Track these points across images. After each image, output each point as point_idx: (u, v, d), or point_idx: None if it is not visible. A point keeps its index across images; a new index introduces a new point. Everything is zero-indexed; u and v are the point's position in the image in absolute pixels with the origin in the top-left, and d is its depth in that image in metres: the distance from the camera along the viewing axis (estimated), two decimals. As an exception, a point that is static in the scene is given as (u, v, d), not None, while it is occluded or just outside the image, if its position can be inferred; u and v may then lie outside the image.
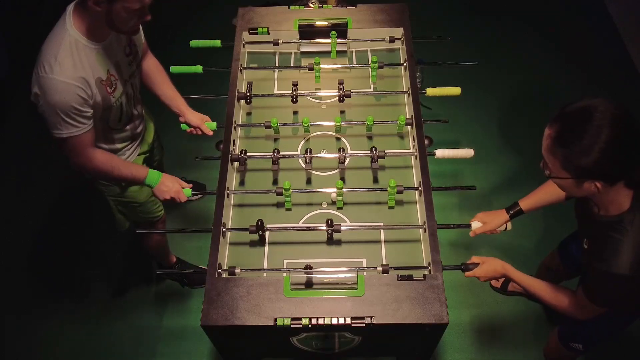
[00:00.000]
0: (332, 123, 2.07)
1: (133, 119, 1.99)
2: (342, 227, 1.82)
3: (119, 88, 1.82)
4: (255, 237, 1.86)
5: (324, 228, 1.81)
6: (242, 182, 2.04)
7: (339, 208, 1.93)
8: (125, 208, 2.15)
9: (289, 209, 1.93)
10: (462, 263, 1.75)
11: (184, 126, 2.17)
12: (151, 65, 2.09)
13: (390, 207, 1.93)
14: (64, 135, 1.69)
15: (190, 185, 2.01)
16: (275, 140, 2.14)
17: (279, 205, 1.96)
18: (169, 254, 2.61)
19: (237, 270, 1.71)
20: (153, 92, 2.12)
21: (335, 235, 1.86)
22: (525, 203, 1.86)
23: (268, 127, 2.06)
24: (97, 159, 1.81)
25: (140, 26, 1.83)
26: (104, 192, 2.07)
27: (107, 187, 2.03)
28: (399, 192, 1.87)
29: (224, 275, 1.73)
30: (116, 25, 1.64)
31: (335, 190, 1.89)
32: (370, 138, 2.13)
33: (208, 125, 2.14)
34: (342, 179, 2.02)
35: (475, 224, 1.90)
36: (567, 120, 1.30)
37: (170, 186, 1.95)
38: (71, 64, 1.61)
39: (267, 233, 1.87)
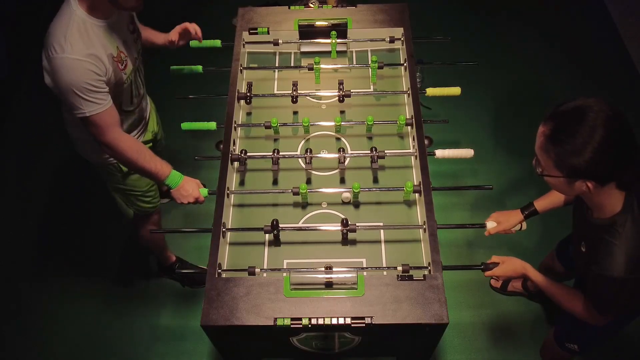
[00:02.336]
0: (332, 123, 2.07)
1: (141, 99, 1.99)
2: (342, 227, 1.82)
3: (129, 65, 1.83)
4: (254, 237, 1.86)
5: (329, 228, 1.82)
6: (242, 182, 2.04)
7: (305, 206, 1.95)
8: (124, 196, 2.16)
9: (305, 206, 1.95)
10: (482, 263, 1.76)
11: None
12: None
13: (387, 204, 1.95)
14: (86, 114, 1.68)
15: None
16: (275, 140, 2.14)
17: (278, 205, 1.96)
18: (167, 250, 2.60)
19: (257, 270, 1.71)
20: (148, 47, 2.10)
21: (336, 236, 1.86)
22: (540, 204, 1.87)
23: (268, 127, 2.06)
24: (124, 143, 1.79)
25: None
26: (106, 180, 2.08)
27: (109, 176, 2.04)
28: (415, 192, 1.88)
29: (224, 275, 1.73)
30: (118, 1, 1.65)
31: (345, 190, 1.91)
32: (370, 138, 2.13)
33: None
34: (342, 179, 2.02)
35: (490, 224, 1.90)
36: (562, 119, 1.30)
37: (190, 191, 1.92)
38: (81, 42, 1.62)
39: (265, 234, 1.87)
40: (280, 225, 1.81)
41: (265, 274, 1.76)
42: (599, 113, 1.25)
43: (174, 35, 2.13)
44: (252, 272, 1.70)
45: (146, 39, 2.08)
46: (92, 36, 1.66)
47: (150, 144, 2.18)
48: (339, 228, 1.80)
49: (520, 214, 1.89)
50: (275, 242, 1.87)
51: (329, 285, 1.72)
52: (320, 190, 1.94)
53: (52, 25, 1.65)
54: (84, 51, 1.62)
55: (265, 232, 1.80)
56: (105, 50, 1.70)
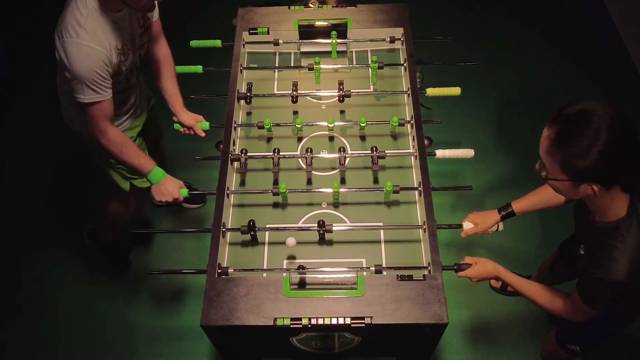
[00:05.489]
0: (333, 124, 2.06)
1: (126, 86, 2.00)
2: (342, 228, 1.82)
3: (130, 58, 1.86)
4: (269, 237, 1.87)
5: (317, 228, 1.80)
6: (242, 182, 2.04)
7: (336, 207, 1.94)
8: (115, 170, 2.16)
9: (285, 203, 1.95)
10: (455, 263, 1.75)
11: (176, 126, 2.16)
12: (162, 55, 2.11)
13: (387, 204, 1.94)
14: (85, 100, 1.72)
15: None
16: (272, 140, 2.14)
17: (278, 205, 1.96)
18: (118, 232, 2.61)
19: (231, 270, 1.72)
20: (156, 83, 2.14)
21: (335, 236, 1.86)
22: (517, 205, 1.86)
23: (261, 127, 2.06)
24: (111, 135, 1.84)
25: (157, 3, 1.84)
26: (97, 156, 2.09)
27: (97, 151, 2.05)
28: (395, 192, 1.88)
29: (223, 276, 1.73)
30: (127, 0, 1.69)
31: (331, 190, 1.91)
32: (364, 138, 2.12)
33: (201, 126, 2.15)
34: (343, 179, 2.02)
35: (467, 225, 1.89)
36: (567, 122, 1.30)
37: (171, 190, 1.94)
38: (95, 30, 1.66)
39: (266, 233, 1.87)
40: (267, 225, 1.82)
41: (265, 274, 1.76)
42: (603, 116, 1.26)
43: (187, 120, 2.14)
44: (224, 272, 1.71)
45: (164, 89, 2.11)
46: (104, 26, 1.70)
47: (138, 129, 2.18)
48: (316, 228, 1.80)
49: (497, 214, 1.88)
50: (253, 242, 1.87)
51: (308, 285, 1.70)
52: (321, 190, 1.94)
53: (65, 10, 1.69)
54: (98, 40, 1.66)
55: (242, 233, 1.80)
56: (114, 41, 1.74)
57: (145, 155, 1.96)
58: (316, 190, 1.95)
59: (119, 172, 2.16)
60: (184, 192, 1.96)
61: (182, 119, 2.13)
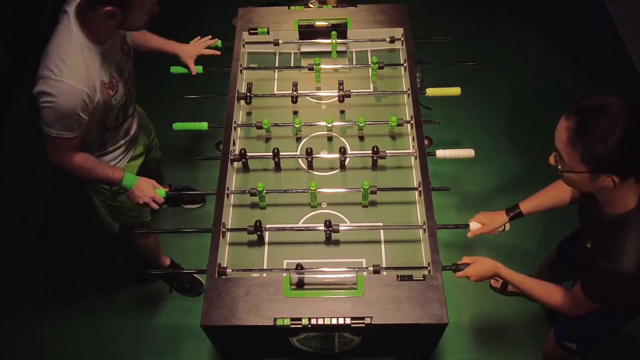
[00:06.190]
0: (332, 124, 2.06)
1: (126, 118, 1.99)
2: (342, 228, 1.82)
3: (120, 89, 1.82)
4: (254, 237, 1.86)
5: (324, 228, 1.80)
6: (242, 183, 2.04)
7: (313, 207, 1.95)
8: (113, 211, 2.14)
9: (263, 208, 1.94)
10: (453, 263, 1.74)
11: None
12: (137, 34, 2.06)
13: (387, 204, 1.94)
14: (53, 134, 1.67)
15: (167, 189, 2.01)
16: (269, 140, 2.14)
17: (278, 205, 1.96)
18: (161, 255, 2.58)
19: (232, 270, 1.71)
20: (145, 50, 2.11)
21: (335, 236, 1.86)
22: (526, 206, 1.86)
23: (260, 127, 2.06)
24: (76, 160, 1.80)
25: None
26: (94, 196, 2.07)
27: (98, 192, 2.04)
28: (372, 192, 1.88)
29: (222, 276, 1.73)
30: (129, 26, 1.67)
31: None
32: (364, 138, 2.13)
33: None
34: (343, 179, 2.02)
35: (474, 225, 1.89)
36: (586, 113, 1.29)
37: (146, 191, 1.93)
38: (79, 68, 1.61)
39: (266, 233, 1.87)
40: (267, 226, 1.81)
41: (265, 274, 1.76)
42: (620, 104, 1.26)
43: (191, 50, 2.17)
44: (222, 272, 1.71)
45: (154, 47, 2.11)
46: (89, 62, 1.65)
47: (142, 157, 2.18)
48: (324, 228, 1.80)
49: (505, 215, 1.87)
50: (259, 242, 1.87)
51: (308, 285, 1.69)
52: (321, 190, 1.94)
53: (50, 44, 1.63)
54: (82, 78, 1.62)
55: (249, 233, 1.80)
56: (99, 77, 1.69)
57: (112, 166, 1.94)
58: (316, 190, 1.94)
59: (114, 214, 2.14)
60: (161, 192, 1.95)
61: (187, 52, 2.15)
